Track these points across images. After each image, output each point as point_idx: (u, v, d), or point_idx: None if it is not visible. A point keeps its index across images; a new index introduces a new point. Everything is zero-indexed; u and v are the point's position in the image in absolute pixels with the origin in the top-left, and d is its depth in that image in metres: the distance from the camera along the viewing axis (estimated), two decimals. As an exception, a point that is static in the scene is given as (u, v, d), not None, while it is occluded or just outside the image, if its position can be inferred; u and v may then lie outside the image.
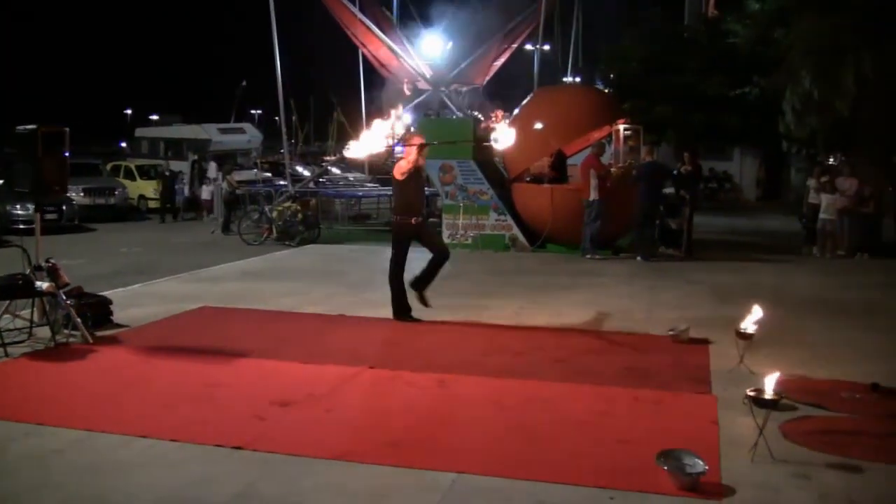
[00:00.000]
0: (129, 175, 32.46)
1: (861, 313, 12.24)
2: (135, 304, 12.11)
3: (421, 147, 10.98)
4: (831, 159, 23.89)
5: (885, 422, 7.09)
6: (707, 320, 11.07)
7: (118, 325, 10.62)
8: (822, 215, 18.56)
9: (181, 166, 34.96)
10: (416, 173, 11.05)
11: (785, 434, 6.71)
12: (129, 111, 71.57)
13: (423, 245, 11.34)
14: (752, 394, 6.42)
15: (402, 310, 11.13)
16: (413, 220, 11.02)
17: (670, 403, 7.60)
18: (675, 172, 19.33)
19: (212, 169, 29.54)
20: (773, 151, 31.75)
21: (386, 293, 11.18)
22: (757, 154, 35.31)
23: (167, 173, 29.13)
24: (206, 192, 29.03)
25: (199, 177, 29.87)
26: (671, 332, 10.12)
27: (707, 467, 5.71)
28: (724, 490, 5.65)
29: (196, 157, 33.61)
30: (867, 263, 17.61)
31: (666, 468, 5.70)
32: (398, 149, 11.98)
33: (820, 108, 18.49)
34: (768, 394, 6.41)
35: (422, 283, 11.11)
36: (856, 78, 17.77)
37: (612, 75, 24.77)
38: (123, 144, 50.65)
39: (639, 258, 17.49)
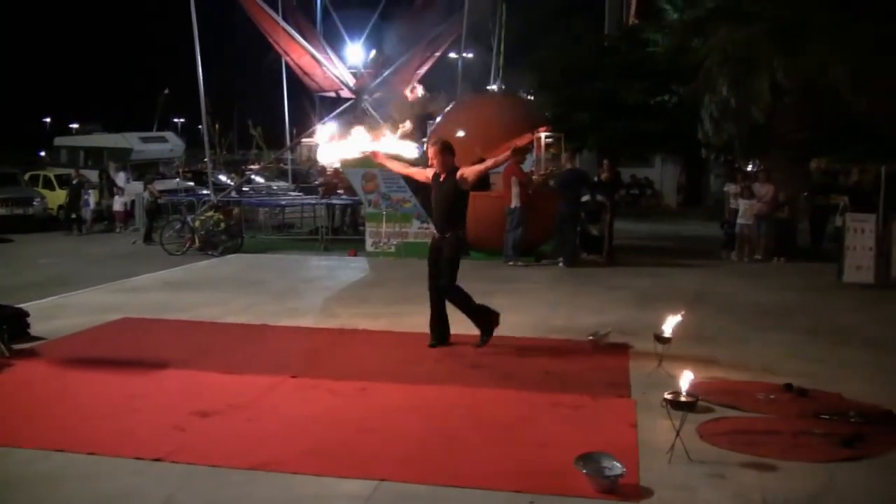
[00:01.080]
0: (49, 185, 31.89)
1: (776, 316, 12.48)
2: (53, 316, 11.94)
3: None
4: (750, 165, 24.30)
5: (798, 421, 7.24)
6: (627, 325, 11.21)
7: (36, 338, 10.45)
8: (739, 220, 18.90)
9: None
10: (437, 183, 10.26)
11: (701, 435, 6.83)
12: (47, 120, 70.59)
13: None
14: (669, 397, 6.53)
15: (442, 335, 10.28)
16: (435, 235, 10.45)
17: (590, 407, 7.68)
18: (595, 180, 19.54)
19: (120, 178, 28.99)
20: (693, 158, 32.24)
21: (306, 300, 11.15)
22: (677, 160, 35.80)
23: (74, 182, 28.13)
24: (117, 203, 28.32)
25: (109, 187, 28.92)
26: (591, 337, 10.21)
27: (625, 470, 5.79)
28: (642, 492, 5.74)
29: (113, 167, 32.91)
30: (783, 267, 17.94)
31: (585, 471, 5.77)
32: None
33: (736, 116, 18.84)
34: (685, 396, 6.52)
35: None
36: (770, 86, 18.14)
37: (534, 83, 24.95)
38: (42, 153, 49.81)
39: (561, 264, 17.63)
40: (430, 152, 10.31)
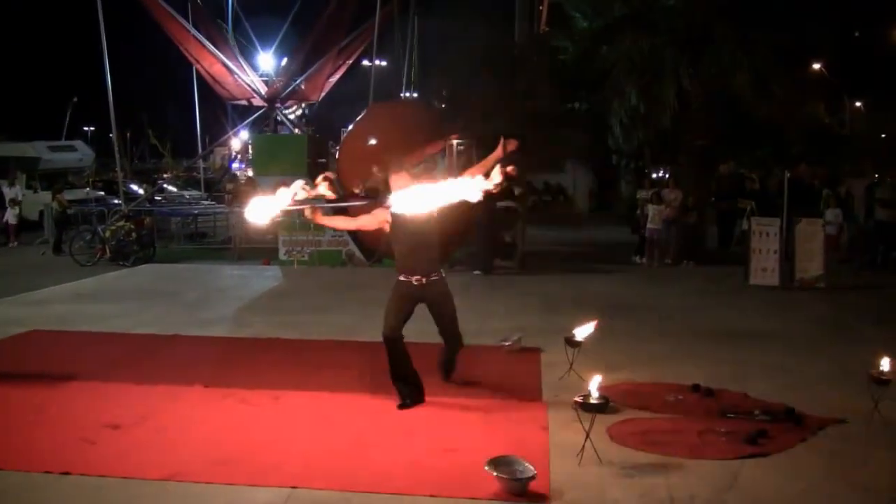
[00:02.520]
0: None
1: (684, 318, 12.73)
2: (-43, 329, 11.72)
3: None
4: (661, 171, 24.71)
5: (704, 420, 7.41)
6: (538, 330, 11.33)
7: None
8: (649, 225, 19.20)
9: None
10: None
11: (611, 437, 6.96)
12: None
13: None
14: (579, 399, 6.64)
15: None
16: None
17: (501, 411, 7.76)
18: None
19: (10, 191, 27.37)
20: (604, 164, 32.65)
21: (219, 310, 11.06)
22: (589, 167, 36.20)
23: None
24: (10, 216, 26.41)
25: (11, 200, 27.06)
26: (503, 343, 10.32)
27: (536, 472, 5.87)
28: (553, 493, 5.83)
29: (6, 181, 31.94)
30: (692, 270, 18.28)
31: (495, 474, 5.84)
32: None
33: (645, 123, 19.15)
34: (595, 399, 6.64)
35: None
36: (676, 93, 18.47)
37: (443, 91, 24.99)
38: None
39: (477, 272, 17.74)
40: (390, 179, 8.19)
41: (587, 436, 6.41)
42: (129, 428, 7.28)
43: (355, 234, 19.40)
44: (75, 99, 54.82)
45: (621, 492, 5.89)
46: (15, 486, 6.04)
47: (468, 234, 18.25)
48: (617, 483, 6.03)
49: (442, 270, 8.43)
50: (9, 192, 26.74)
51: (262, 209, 7.76)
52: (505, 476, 5.82)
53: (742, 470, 6.31)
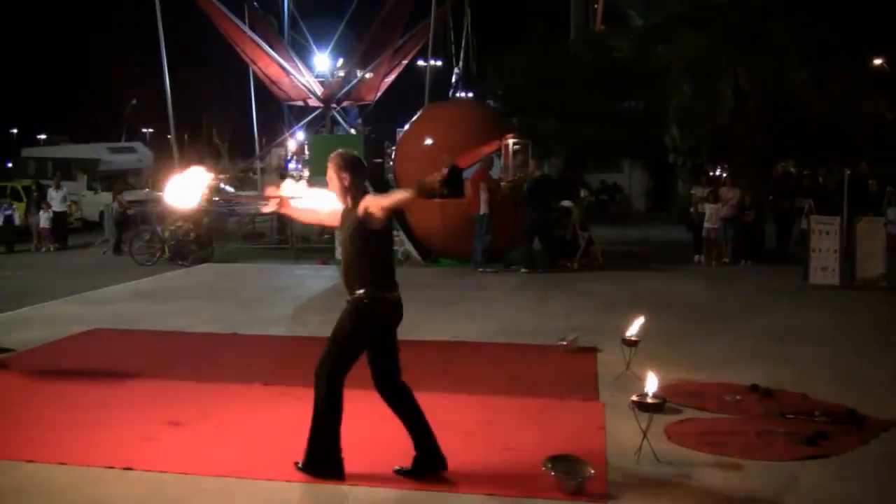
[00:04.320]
0: (17, 196, 31.55)
1: (743, 318, 12.61)
2: (22, 327, 11.91)
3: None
4: (718, 170, 24.49)
5: (763, 421, 7.35)
6: (595, 329, 11.29)
7: (5, 350, 10.42)
8: (706, 224, 19.03)
9: (70, 187, 34.29)
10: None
11: (669, 436, 6.92)
12: (14, 131, 70.00)
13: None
14: (636, 399, 6.61)
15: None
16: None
17: (558, 411, 7.76)
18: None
19: (57, 194, 26.86)
20: (660, 163, 32.43)
21: (277, 309, 11.12)
22: (645, 166, 35.97)
23: None
24: (43, 220, 25.60)
25: (38, 202, 26.36)
26: (560, 342, 10.30)
27: (593, 472, 5.86)
28: (611, 493, 5.81)
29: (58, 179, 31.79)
30: (750, 269, 18.10)
31: (553, 474, 5.84)
32: None
33: (701, 121, 18.99)
34: (652, 398, 6.61)
35: None
36: (733, 91, 18.32)
37: (498, 91, 25.01)
38: (10, 165, 49.46)
39: (523, 270, 17.74)
40: (327, 174, 6.42)
41: (644, 435, 6.39)
42: (190, 425, 7.37)
43: (412, 234, 19.46)
44: (134, 101, 55.46)
45: (679, 492, 5.86)
46: (80, 480, 6.14)
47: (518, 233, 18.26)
48: (674, 483, 6.00)
49: (360, 290, 6.49)
50: (55, 196, 26.67)
51: (184, 192, 6.82)
52: (562, 475, 5.83)
53: (802, 472, 6.25)
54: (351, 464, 6.27)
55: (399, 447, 6.61)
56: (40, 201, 26.07)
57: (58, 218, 26.43)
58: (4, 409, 7.99)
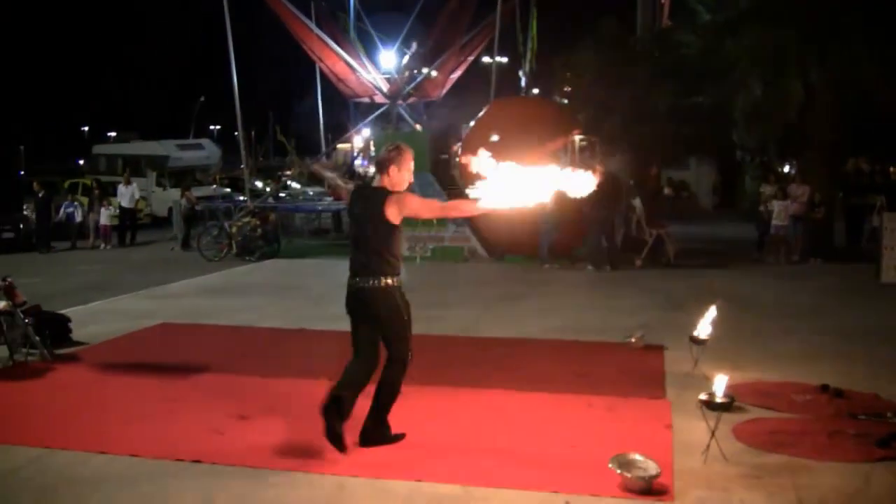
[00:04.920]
0: (89, 193, 31.95)
1: (813, 317, 12.43)
2: (94, 321, 12.10)
3: None
4: (787, 166, 24.20)
5: (833, 421, 7.24)
6: (662, 326, 11.23)
7: (77, 343, 10.62)
8: (774, 221, 18.80)
9: (139, 183, 34.70)
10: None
11: (737, 436, 6.85)
12: (86, 128, 71.13)
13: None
14: (704, 398, 6.54)
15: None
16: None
17: (624, 409, 7.71)
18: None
19: (126, 190, 26.71)
20: (727, 160, 32.10)
21: (343, 305, 11.05)
22: (712, 162, 35.64)
23: (40, 194, 25.05)
24: (104, 217, 25.67)
25: (99, 199, 26.18)
26: (626, 339, 10.25)
27: (660, 470, 5.82)
28: (677, 492, 5.76)
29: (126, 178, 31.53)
30: (820, 268, 17.84)
31: (619, 471, 5.80)
32: None
33: (770, 117, 18.75)
34: (720, 397, 6.54)
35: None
36: (802, 86, 18.06)
37: (565, 87, 24.92)
38: (81, 162, 50.29)
39: (589, 267, 17.66)
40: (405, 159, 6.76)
41: (712, 435, 6.32)
42: (257, 419, 7.44)
43: (478, 231, 19.46)
44: (202, 98, 56.15)
45: (747, 492, 5.79)
46: (150, 471, 6.24)
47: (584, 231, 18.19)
48: (743, 483, 5.93)
49: (388, 280, 6.73)
50: (124, 192, 26.78)
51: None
52: (628, 474, 5.79)
53: (873, 473, 6.14)
54: (419, 460, 6.28)
55: (470, 445, 6.64)
56: (101, 199, 26.21)
57: (126, 215, 26.72)
58: (77, 401, 8.13)
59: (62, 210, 25.83)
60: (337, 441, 6.36)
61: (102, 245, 25.40)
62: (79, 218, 26.08)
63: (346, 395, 6.51)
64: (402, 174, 6.73)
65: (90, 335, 11.06)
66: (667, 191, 18.23)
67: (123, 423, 7.35)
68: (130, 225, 26.89)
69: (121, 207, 26.71)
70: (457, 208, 7.82)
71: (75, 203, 26.30)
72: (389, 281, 6.70)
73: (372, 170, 26.33)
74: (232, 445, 6.77)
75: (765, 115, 18.72)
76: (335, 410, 6.39)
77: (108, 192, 27.35)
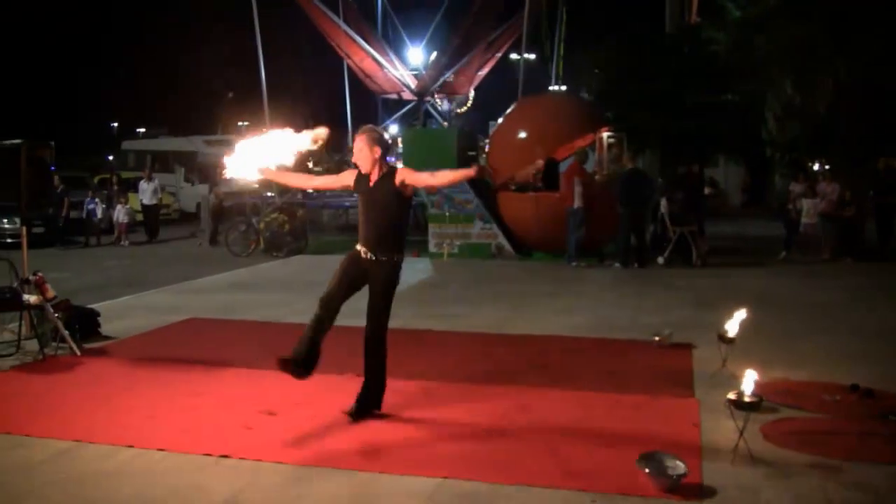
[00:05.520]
0: (107, 188, 31.96)
1: (841, 316, 12.35)
2: (122, 316, 12.17)
3: None
4: (816, 165, 24.05)
5: (864, 422, 7.18)
6: (690, 325, 11.18)
7: (106, 337, 10.68)
8: (803, 220, 18.71)
9: (168, 179, 34.85)
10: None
11: (765, 436, 6.80)
12: (115, 124, 71.44)
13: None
14: (732, 397, 6.51)
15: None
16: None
17: (652, 407, 7.68)
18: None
19: (148, 186, 26.68)
20: (757, 157, 31.91)
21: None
22: (741, 160, 35.46)
23: (59, 189, 23.89)
24: (121, 213, 25.73)
25: (118, 195, 26.44)
26: (654, 338, 10.21)
27: (688, 469, 5.78)
28: (705, 491, 5.72)
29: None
30: (850, 267, 17.72)
31: (647, 470, 5.77)
32: None
33: (800, 114, 18.64)
34: (749, 396, 6.50)
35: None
36: (833, 83, 17.95)
37: (593, 83, 24.87)
38: (111, 158, 50.57)
39: (616, 265, 17.63)
40: (355, 144, 7.41)
41: (741, 434, 6.29)
42: (284, 414, 7.46)
43: (505, 228, 19.45)
44: (231, 94, 56.27)
45: (776, 493, 5.75)
46: (178, 466, 6.26)
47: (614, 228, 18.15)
48: (771, 484, 5.89)
49: (398, 254, 7.36)
50: (146, 188, 26.76)
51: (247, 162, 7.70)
52: (656, 472, 5.76)
53: (904, 475, 6.10)
54: (445, 457, 6.29)
55: (496, 442, 6.64)
56: (119, 195, 26.19)
57: (148, 211, 26.80)
58: (105, 395, 8.17)
59: (84, 206, 25.76)
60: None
61: (126, 242, 25.36)
62: (99, 214, 26.01)
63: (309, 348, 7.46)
64: (380, 152, 7.28)
65: (119, 330, 11.12)
66: (707, 190, 18.06)
67: (151, 417, 7.39)
68: (152, 221, 26.93)
69: (142, 204, 26.92)
70: (444, 177, 7.68)
71: (96, 199, 26.09)
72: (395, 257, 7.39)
73: (400, 165, 26.33)
74: (260, 440, 6.78)
75: (795, 113, 18.63)
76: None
77: (129, 187, 27.44)
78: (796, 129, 19.34)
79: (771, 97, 18.93)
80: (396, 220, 7.31)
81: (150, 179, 27.04)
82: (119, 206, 25.79)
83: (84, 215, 25.70)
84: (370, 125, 7.74)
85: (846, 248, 18.47)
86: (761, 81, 19.02)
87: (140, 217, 27.90)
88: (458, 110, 29.63)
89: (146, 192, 26.68)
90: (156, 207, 27.12)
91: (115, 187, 26.75)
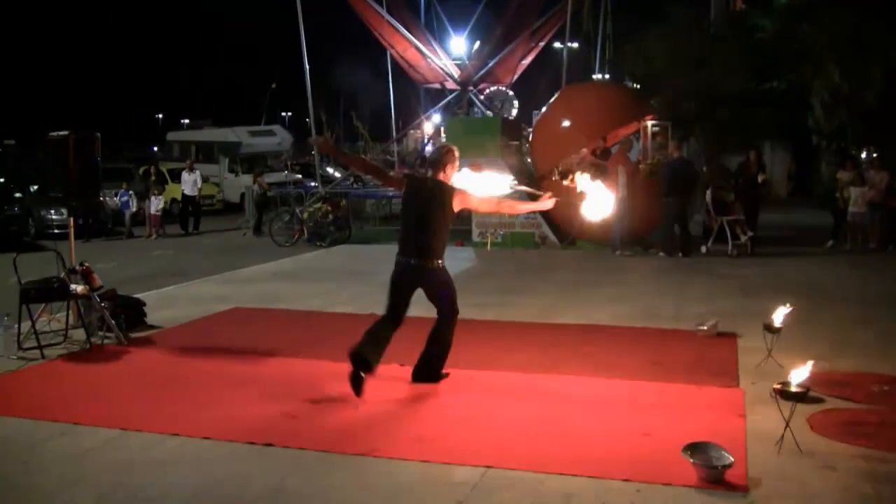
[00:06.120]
0: (163, 180, 32.00)
1: (889, 306, 12.21)
2: (168, 305, 12.27)
3: None
4: (864, 153, 23.78)
5: (913, 413, 7.10)
6: (735, 314, 11.09)
7: (151, 327, 10.77)
8: (851, 208, 18.50)
9: (212, 170, 35.04)
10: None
11: (812, 426, 6.73)
12: (160, 115, 72.13)
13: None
14: (778, 387, 6.45)
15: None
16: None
17: (697, 397, 7.63)
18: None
19: (189, 177, 26.44)
20: (803, 146, 31.59)
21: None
22: (787, 148, 35.13)
23: None
24: (153, 206, 25.27)
25: (154, 186, 25.73)
26: (699, 327, 10.14)
27: (733, 460, 5.73)
28: (750, 482, 5.67)
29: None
30: (898, 256, 17.53)
31: (692, 461, 5.73)
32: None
33: (848, 102, 18.43)
34: (795, 387, 6.43)
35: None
36: (883, 71, 17.71)
37: (637, 72, 24.72)
38: (155, 149, 50.99)
39: (661, 254, 17.54)
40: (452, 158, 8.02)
41: (787, 425, 6.23)
42: (328, 404, 7.48)
43: (550, 217, 19.39)
44: (274, 85, 56.55)
45: (822, 484, 5.69)
46: (222, 454, 6.31)
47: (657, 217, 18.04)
48: (818, 475, 5.83)
49: (441, 259, 7.99)
50: (187, 179, 26.60)
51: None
52: (701, 463, 5.72)
53: (954, 467, 6.02)
54: (490, 446, 6.29)
55: (541, 431, 6.63)
56: (155, 187, 25.77)
57: (189, 202, 26.78)
58: (151, 384, 8.24)
59: (117, 199, 25.59)
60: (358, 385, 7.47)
61: (154, 235, 24.97)
62: (133, 207, 25.68)
63: (376, 351, 7.80)
64: (453, 172, 8.01)
65: (164, 319, 11.21)
66: (761, 178, 17.84)
67: (196, 406, 7.44)
68: (193, 212, 26.93)
69: (183, 195, 26.88)
70: (511, 207, 9.20)
71: (129, 192, 25.73)
72: (441, 261, 7.98)
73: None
74: (304, 429, 6.81)
75: (842, 100, 18.42)
76: (363, 363, 7.59)
77: (166, 179, 27.39)
78: (843, 117, 19.11)
79: (818, 85, 18.71)
80: (444, 228, 8.02)
81: (191, 170, 27.04)
82: (152, 198, 25.39)
83: (118, 207, 25.61)
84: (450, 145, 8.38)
85: (894, 237, 18.24)
86: (808, 69, 18.80)
87: (178, 207, 27.93)
88: (505, 114, 29.54)
89: (188, 183, 26.64)
90: (196, 199, 27.06)
91: (153, 178, 26.60)
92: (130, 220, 25.50)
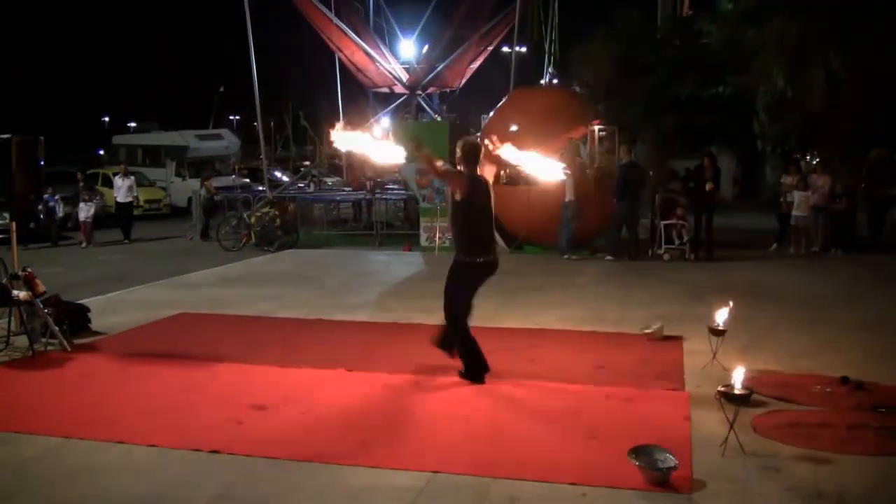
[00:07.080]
0: (108, 183, 31.10)
1: (832, 308, 12.35)
2: (113, 311, 12.15)
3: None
4: (808, 157, 24.03)
5: (854, 414, 7.19)
6: (680, 318, 11.18)
7: (96, 333, 10.67)
8: (795, 212, 18.70)
9: (159, 174, 34.79)
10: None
11: (755, 428, 6.80)
12: (106, 119, 71.36)
13: None
14: (722, 389, 6.51)
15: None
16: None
17: (642, 400, 7.68)
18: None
19: (123, 182, 24.73)
20: (748, 150, 31.89)
21: (361, 295, 11.14)
22: (733, 153, 35.47)
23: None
24: (81, 212, 23.48)
25: (83, 191, 24.29)
26: (644, 330, 10.21)
27: (678, 462, 5.78)
28: (695, 484, 5.72)
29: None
30: (840, 259, 17.74)
31: (637, 464, 5.77)
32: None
33: (792, 107, 18.61)
34: (739, 389, 6.50)
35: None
36: (826, 77, 17.91)
37: (584, 77, 24.80)
38: (101, 152, 50.45)
39: (608, 258, 17.65)
40: (482, 152, 8.37)
41: (731, 427, 6.28)
42: (275, 409, 7.44)
43: (498, 221, 19.41)
44: (222, 89, 56.18)
45: (766, 485, 5.75)
46: (168, 462, 6.26)
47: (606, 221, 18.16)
48: (762, 476, 5.89)
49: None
50: (120, 185, 24.76)
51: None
52: (646, 466, 5.76)
53: (894, 466, 6.09)
54: (436, 451, 6.29)
55: (487, 435, 6.63)
56: (84, 192, 24.28)
57: (121, 209, 24.95)
58: (96, 391, 8.16)
59: (47, 203, 23.34)
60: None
61: (84, 243, 23.18)
62: (60, 213, 24.36)
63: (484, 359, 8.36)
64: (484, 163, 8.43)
65: (109, 325, 11.10)
66: (708, 187, 17.90)
67: (142, 413, 7.37)
68: (124, 220, 25.01)
69: (116, 202, 25.19)
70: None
71: (56, 196, 23.90)
72: None
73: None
74: (251, 436, 6.77)
75: (786, 105, 18.61)
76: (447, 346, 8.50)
77: (94, 185, 26.62)
78: (788, 123, 19.30)
79: (763, 90, 18.88)
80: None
81: (126, 175, 25.19)
82: (82, 204, 23.61)
83: (44, 213, 23.55)
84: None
85: (837, 240, 18.48)
86: (753, 74, 18.97)
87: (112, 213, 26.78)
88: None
89: (120, 190, 24.74)
90: (129, 206, 25.25)
91: (81, 184, 25.42)
92: (57, 226, 24.10)
